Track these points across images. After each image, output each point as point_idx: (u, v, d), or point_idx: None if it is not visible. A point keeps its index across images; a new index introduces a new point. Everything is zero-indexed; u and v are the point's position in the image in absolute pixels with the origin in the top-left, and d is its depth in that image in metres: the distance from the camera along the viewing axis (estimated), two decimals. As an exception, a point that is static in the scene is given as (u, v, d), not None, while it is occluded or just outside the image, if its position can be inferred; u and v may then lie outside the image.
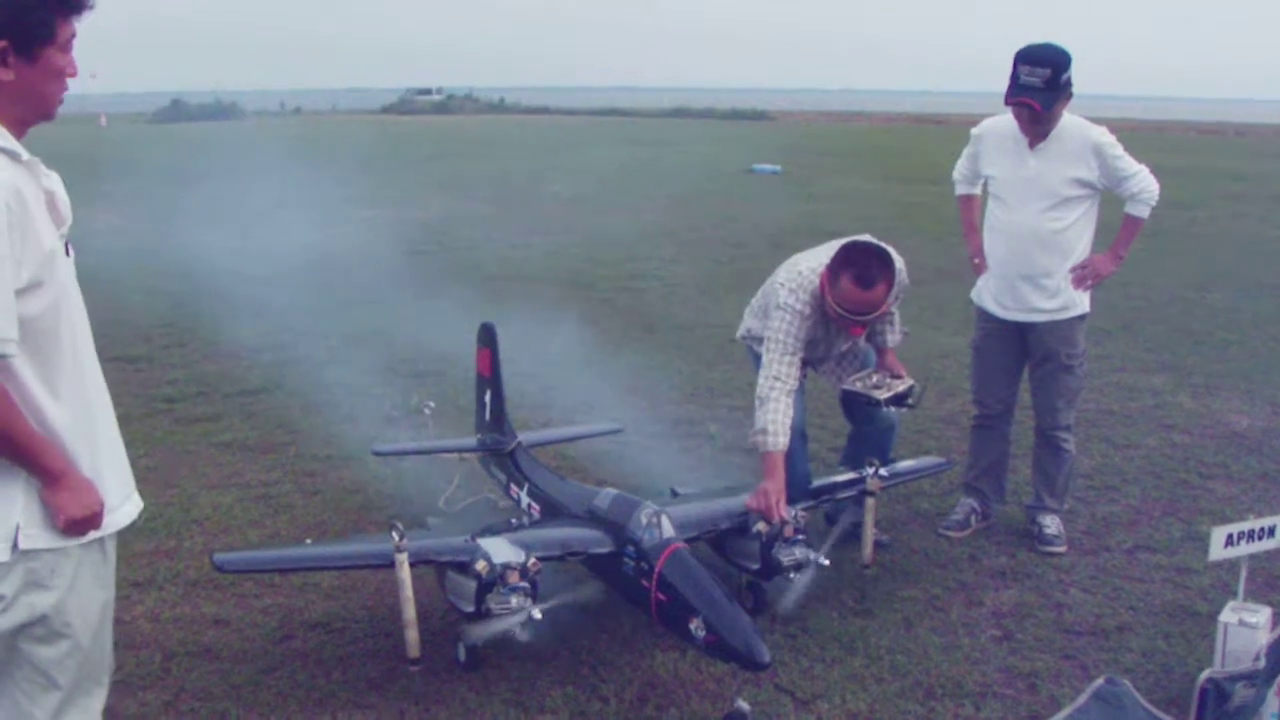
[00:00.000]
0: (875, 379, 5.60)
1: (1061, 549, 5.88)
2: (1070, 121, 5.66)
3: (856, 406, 5.78)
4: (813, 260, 5.38)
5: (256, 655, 4.79)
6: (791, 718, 4.33)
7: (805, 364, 5.54)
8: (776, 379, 5.23)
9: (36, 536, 2.80)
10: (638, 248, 16.47)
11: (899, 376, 5.62)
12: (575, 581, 4.94)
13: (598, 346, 9.87)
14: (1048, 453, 6.07)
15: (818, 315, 5.32)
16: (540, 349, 9.30)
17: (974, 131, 6.13)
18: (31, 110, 2.81)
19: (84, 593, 2.90)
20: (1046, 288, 5.77)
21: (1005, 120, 5.78)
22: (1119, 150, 5.66)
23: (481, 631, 4.33)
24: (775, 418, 5.14)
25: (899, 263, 5.38)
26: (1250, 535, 4.32)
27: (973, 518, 6.14)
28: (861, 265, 5.07)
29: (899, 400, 5.54)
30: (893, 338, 5.79)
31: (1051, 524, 5.98)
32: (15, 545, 2.78)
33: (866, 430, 5.87)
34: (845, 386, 5.65)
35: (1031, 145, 5.66)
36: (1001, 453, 6.23)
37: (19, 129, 2.79)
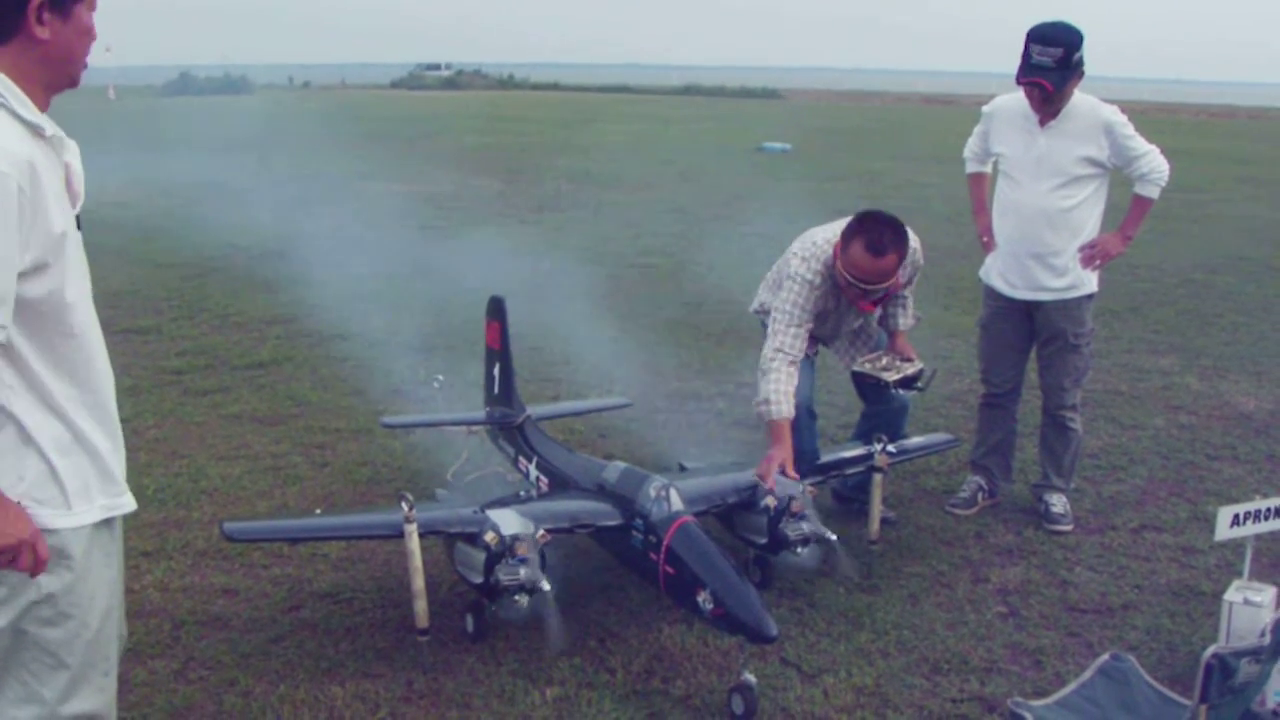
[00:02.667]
0: (885, 361, 5.61)
1: (1068, 528, 5.89)
2: (1081, 100, 5.65)
3: (867, 387, 5.80)
4: (828, 232, 5.40)
5: (265, 624, 4.82)
6: (797, 691, 4.35)
7: (816, 340, 5.55)
8: (779, 350, 5.28)
9: (47, 515, 2.70)
10: (647, 224, 16.46)
11: (909, 360, 5.63)
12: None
13: (606, 322, 9.87)
14: (1055, 432, 6.08)
15: (828, 286, 5.34)
16: (548, 324, 9.31)
17: (985, 109, 6.12)
18: (62, 74, 2.72)
19: (94, 573, 2.81)
20: (1055, 266, 5.77)
21: (1017, 98, 5.77)
22: (1130, 130, 5.64)
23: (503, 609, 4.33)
24: (777, 387, 5.20)
25: (914, 241, 5.39)
26: (1256, 515, 4.33)
27: (980, 495, 6.15)
28: (874, 233, 5.10)
29: (908, 383, 5.55)
30: (905, 320, 5.79)
31: (1058, 503, 5.99)
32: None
33: (879, 409, 5.88)
34: (855, 368, 5.67)
35: (1042, 123, 5.65)
36: (1009, 431, 6.24)
37: (45, 97, 2.69)
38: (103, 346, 2.89)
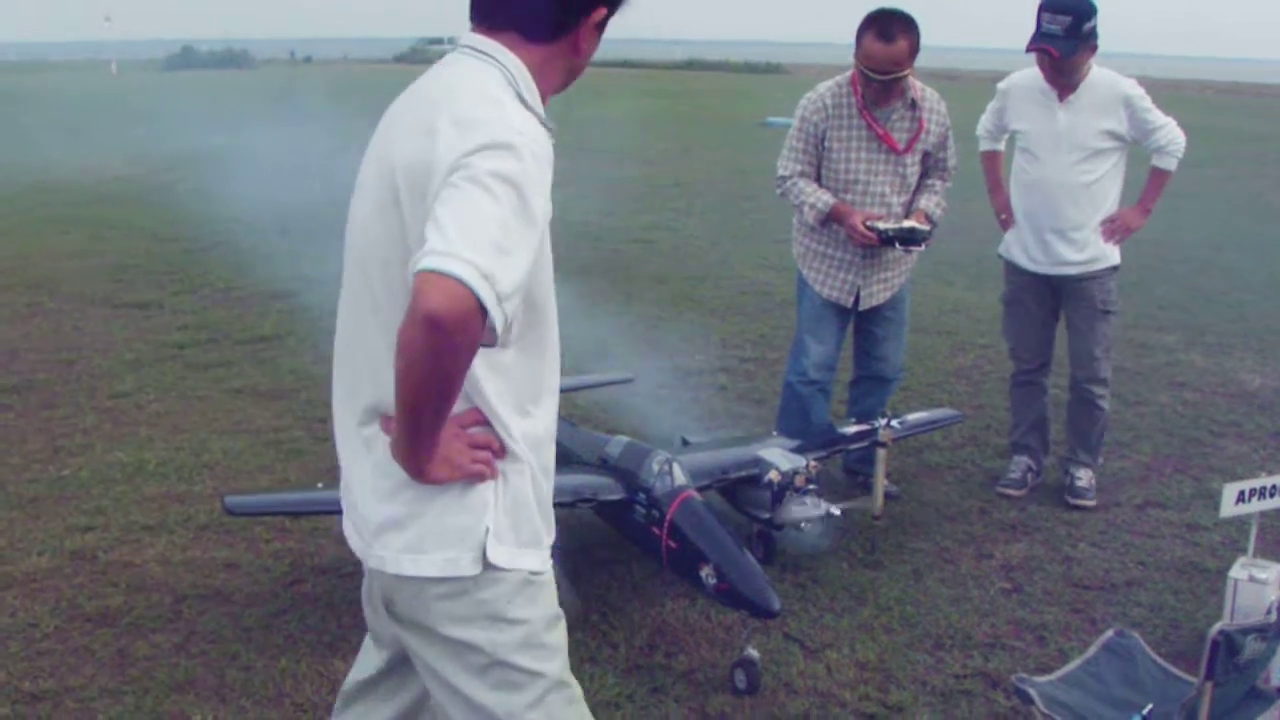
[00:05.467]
0: (892, 220, 5.54)
1: (1091, 503, 5.87)
2: (1100, 74, 5.63)
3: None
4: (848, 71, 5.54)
5: (267, 599, 4.81)
6: (800, 666, 4.35)
7: (843, 194, 5.52)
8: (783, 176, 5.60)
9: (506, 552, 2.39)
10: (649, 199, 16.43)
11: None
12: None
13: (608, 297, 9.86)
14: (1082, 410, 6.03)
15: (839, 104, 5.45)
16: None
17: (1000, 86, 6.08)
18: (565, 85, 2.55)
19: (551, 623, 2.50)
20: (1076, 241, 5.74)
21: (1032, 74, 5.73)
22: (1148, 103, 5.62)
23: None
24: (807, 192, 5.52)
25: (941, 103, 5.57)
26: (1261, 492, 4.30)
27: (1029, 475, 6.12)
28: (883, 22, 5.22)
29: (907, 238, 5.44)
30: (929, 203, 5.70)
31: (1084, 476, 5.97)
32: (484, 557, 2.37)
33: (865, 376, 5.88)
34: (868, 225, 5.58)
35: (1061, 98, 5.62)
36: (1043, 406, 6.19)
37: (545, 99, 2.52)
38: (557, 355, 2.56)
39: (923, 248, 5.56)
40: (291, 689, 4.14)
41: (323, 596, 4.82)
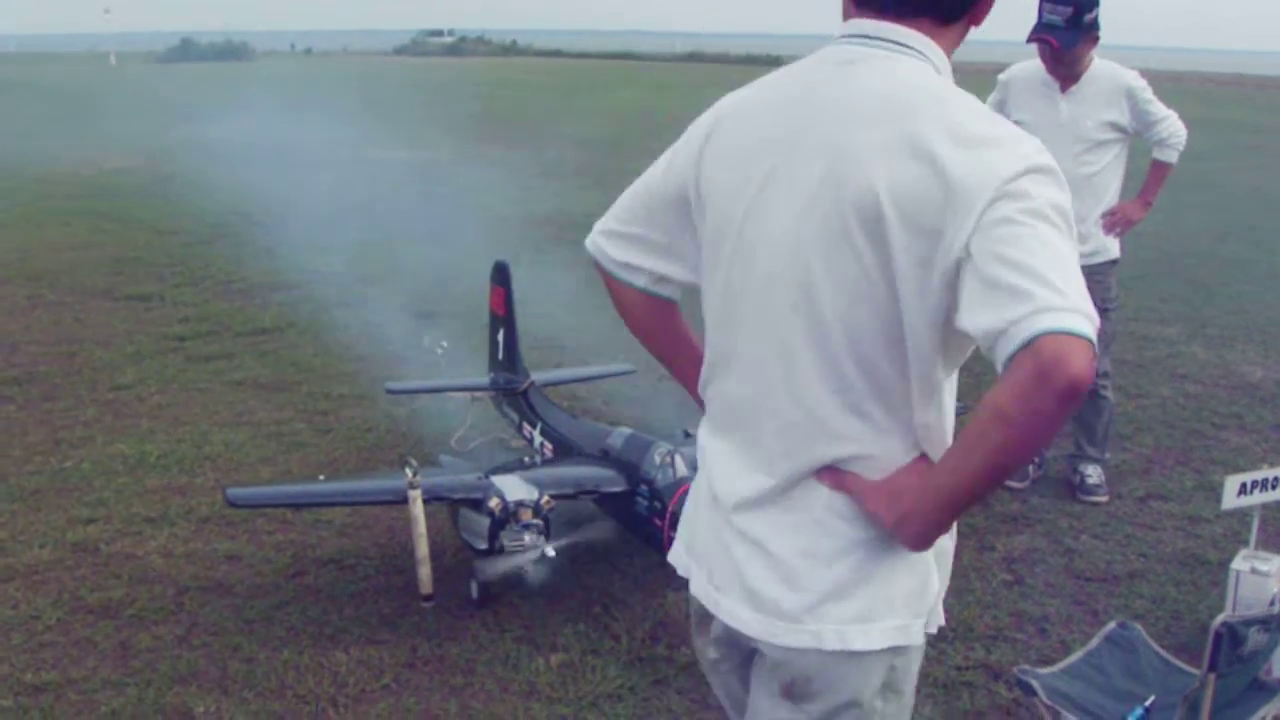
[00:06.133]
0: None
1: (1104, 499, 5.87)
2: (1102, 65, 5.61)
3: None
4: None
5: (269, 590, 4.81)
6: (802, 658, 4.34)
7: None
8: None
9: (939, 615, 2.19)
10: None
11: None
12: (589, 521, 4.94)
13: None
14: (1087, 403, 6.02)
15: None
16: (553, 290, 9.27)
17: (1001, 78, 6.07)
18: None
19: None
20: (1079, 233, 5.71)
21: (1033, 65, 5.72)
22: (1150, 94, 5.61)
23: (495, 567, 4.34)
24: None
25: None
26: (1263, 484, 4.30)
27: (1031, 468, 6.11)
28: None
29: None
30: None
31: (1094, 473, 5.96)
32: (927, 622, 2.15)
33: None
34: None
35: (1063, 89, 5.61)
36: None
37: None
38: None
39: None
40: (294, 681, 4.14)
41: (324, 588, 4.82)
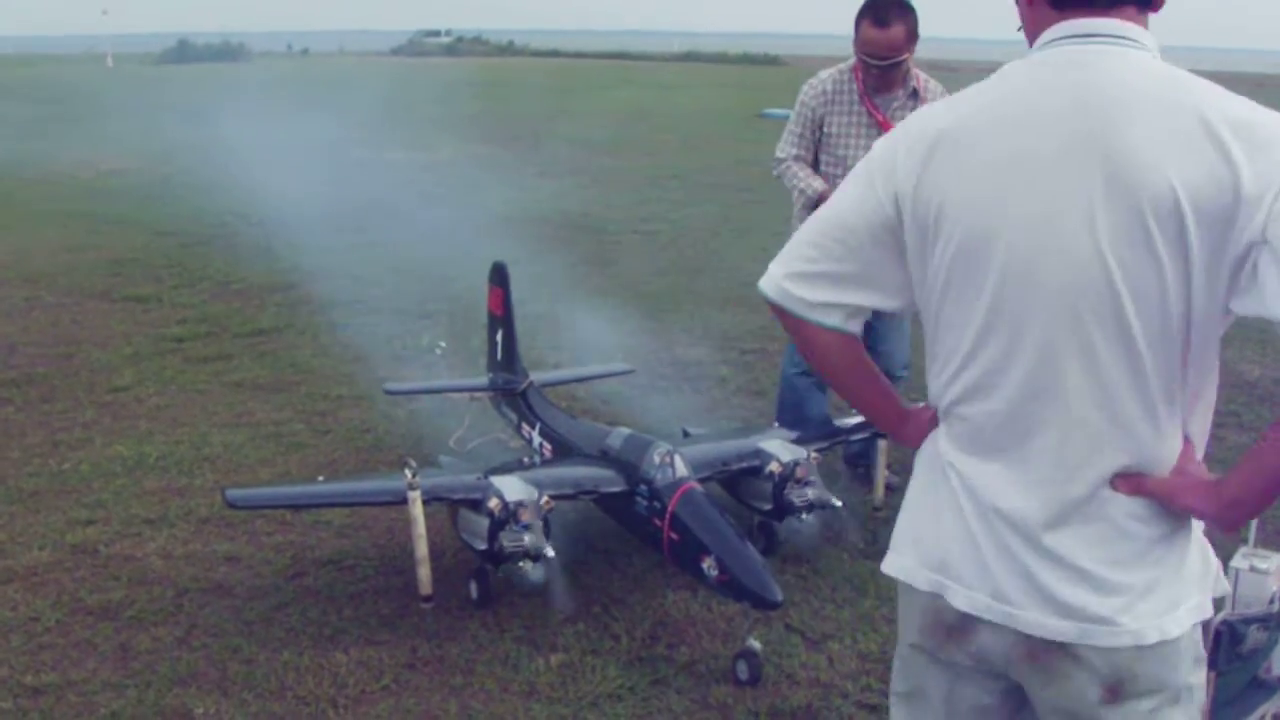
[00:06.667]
0: None
1: None
2: None
3: None
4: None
5: (268, 592, 4.81)
6: (802, 657, 4.34)
7: (838, 177, 5.51)
8: (780, 158, 5.64)
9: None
10: (648, 190, 16.41)
11: None
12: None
13: (608, 288, 9.85)
14: None
15: (840, 90, 5.46)
16: (550, 290, 9.28)
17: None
18: None
19: None
20: None
21: None
22: None
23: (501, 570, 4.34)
24: (799, 176, 5.53)
25: (937, 87, 5.53)
26: (1263, 481, 4.30)
27: None
28: (878, 8, 5.19)
29: None
30: None
31: None
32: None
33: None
34: None
35: None
36: None
37: None
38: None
39: None
40: (294, 682, 4.14)
41: (323, 589, 4.81)
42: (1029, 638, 2.13)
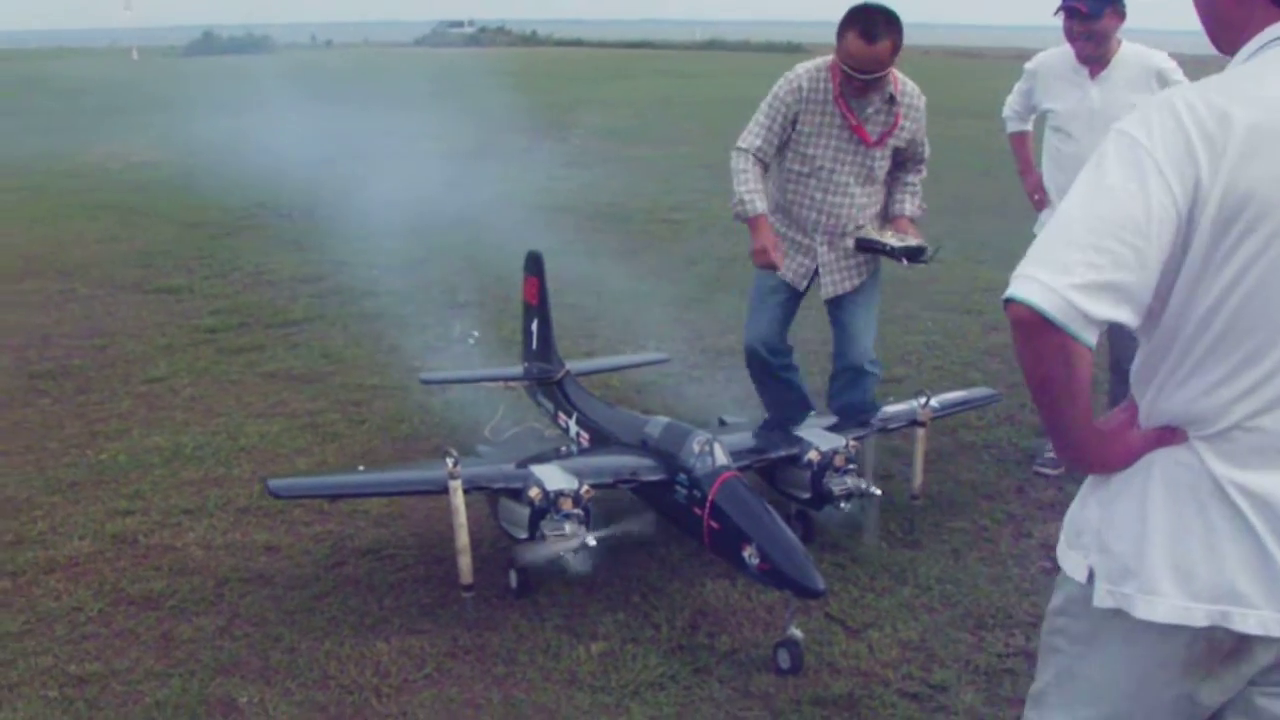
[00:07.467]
0: (890, 233, 5.44)
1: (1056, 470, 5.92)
2: (1130, 49, 5.58)
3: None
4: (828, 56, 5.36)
5: (309, 581, 4.82)
6: (842, 646, 4.33)
7: (806, 177, 5.44)
8: (741, 148, 5.38)
9: None
10: (676, 180, 16.38)
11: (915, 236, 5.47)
12: (631, 512, 4.93)
13: (639, 277, 9.84)
14: (1119, 381, 5.96)
15: (815, 90, 5.27)
16: (580, 280, 9.28)
17: (1028, 66, 6.04)
18: None
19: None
20: None
21: (1061, 52, 5.69)
22: (1180, 76, 5.55)
23: (534, 554, 4.34)
24: (748, 186, 5.29)
25: (919, 98, 5.38)
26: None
27: None
28: (867, 21, 5.02)
29: (914, 254, 5.32)
30: (911, 207, 5.59)
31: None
32: None
33: (847, 367, 5.67)
34: (860, 235, 5.47)
35: (1093, 75, 5.58)
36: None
37: None
38: None
39: (925, 264, 5.47)
40: (337, 671, 4.15)
41: (364, 579, 4.83)
42: None
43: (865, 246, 5.45)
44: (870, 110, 5.27)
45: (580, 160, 18.35)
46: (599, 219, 13.33)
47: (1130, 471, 2.18)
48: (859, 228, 5.44)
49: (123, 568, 4.96)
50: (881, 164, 5.42)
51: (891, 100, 5.29)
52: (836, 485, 4.79)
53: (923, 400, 5.32)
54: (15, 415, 6.90)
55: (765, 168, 5.37)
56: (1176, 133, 1.98)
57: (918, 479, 5.29)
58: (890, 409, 5.50)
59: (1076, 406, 2.11)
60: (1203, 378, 2.07)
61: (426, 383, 6.54)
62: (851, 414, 5.47)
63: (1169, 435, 2.15)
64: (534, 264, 5.98)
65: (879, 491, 4.82)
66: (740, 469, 4.57)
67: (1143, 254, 1.95)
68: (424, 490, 4.68)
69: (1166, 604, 2.13)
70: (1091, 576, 2.24)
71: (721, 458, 4.47)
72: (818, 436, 4.91)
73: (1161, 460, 2.15)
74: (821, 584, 3.99)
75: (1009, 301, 2.00)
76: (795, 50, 65.32)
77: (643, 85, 36.42)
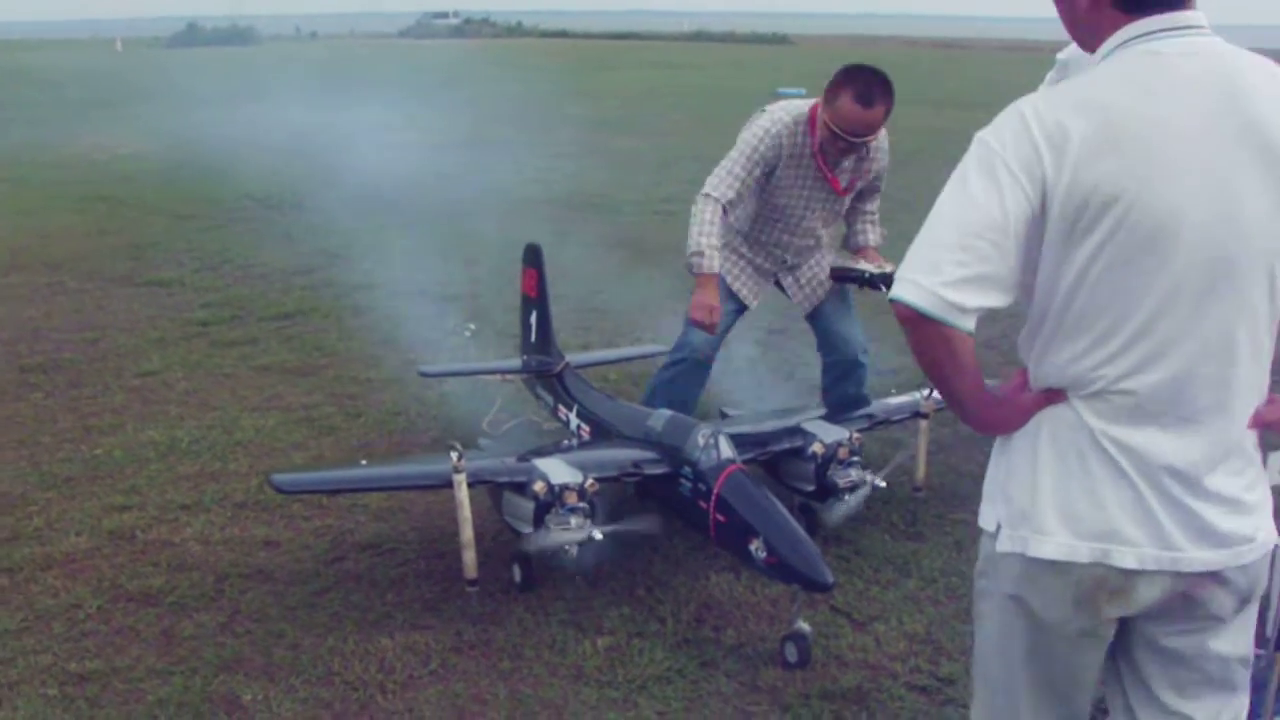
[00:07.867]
0: (862, 261, 5.42)
1: None
2: None
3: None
4: (804, 105, 5.25)
5: (310, 576, 4.78)
6: (849, 639, 4.32)
7: (774, 220, 5.39)
8: (712, 197, 5.07)
9: None
10: (664, 171, 16.34)
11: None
12: (636, 511, 4.90)
13: (631, 269, 9.81)
14: None
15: (794, 144, 5.15)
16: (573, 273, 9.24)
17: (1060, 57, 5.96)
18: None
19: None
20: None
21: None
22: None
23: (540, 542, 4.30)
24: (708, 233, 5.01)
25: (885, 140, 5.32)
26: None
27: None
28: (863, 84, 4.94)
29: (890, 280, 5.29)
30: (874, 237, 5.58)
31: None
32: None
33: (838, 360, 5.66)
34: (835, 263, 5.47)
35: None
36: None
37: None
38: None
39: None
40: (340, 667, 4.11)
41: (365, 574, 4.79)
42: (1185, 576, 2.33)
43: (841, 276, 5.46)
44: (845, 163, 5.23)
45: (569, 152, 18.29)
46: (588, 210, 13.29)
47: (1025, 429, 2.41)
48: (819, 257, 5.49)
49: (121, 564, 4.91)
50: (846, 205, 5.45)
51: (867, 152, 5.24)
52: (840, 478, 4.76)
53: (925, 392, 5.29)
54: (7, 409, 6.83)
55: (728, 214, 5.19)
56: (1023, 135, 2.21)
57: (920, 471, 5.27)
58: (893, 401, 5.48)
59: (965, 381, 2.36)
60: (1071, 346, 2.30)
61: (426, 375, 6.50)
62: (847, 407, 5.45)
63: (1054, 396, 2.37)
64: (533, 256, 5.94)
65: (884, 483, 4.80)
66: (745, 462, 4.54)
67: (1002, 247, 2.19)
68: (428, 484, 4.64)
69: (1053, 542, 2.36)
70: (1000, 528, 2.46)
71: (727, 450, 4.44)
72: (821, 429, 4.89)
73: (1049, 418, 2.38)
74: (830, 577, 3.97)
75: (893, 302, 2.26)
76: (781, 42, 65.42)
77: (630, 76, 36.34)
